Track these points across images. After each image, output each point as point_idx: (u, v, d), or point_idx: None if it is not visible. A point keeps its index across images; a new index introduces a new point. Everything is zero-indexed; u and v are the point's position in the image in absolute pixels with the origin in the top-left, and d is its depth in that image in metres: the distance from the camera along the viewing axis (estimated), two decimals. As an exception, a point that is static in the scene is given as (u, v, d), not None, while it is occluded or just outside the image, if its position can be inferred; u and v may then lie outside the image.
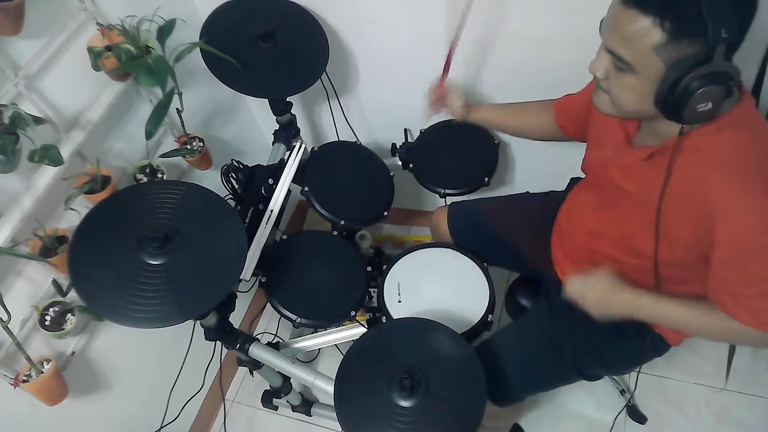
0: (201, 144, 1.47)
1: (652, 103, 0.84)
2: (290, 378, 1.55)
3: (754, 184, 0.83)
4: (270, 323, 2.07)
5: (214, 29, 1.36)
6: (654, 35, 0.77)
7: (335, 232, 1.60)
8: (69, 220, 1.25)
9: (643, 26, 0.77)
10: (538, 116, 1.31)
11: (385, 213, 1.54)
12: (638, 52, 0.80)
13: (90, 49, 1.22)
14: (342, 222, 1.48)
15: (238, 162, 1.44)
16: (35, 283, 1.20)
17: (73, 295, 1.19)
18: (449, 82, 1.34)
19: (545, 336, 1.22)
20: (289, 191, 1.47)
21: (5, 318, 1.04)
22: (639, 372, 1.19)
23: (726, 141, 0.85)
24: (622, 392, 1.63)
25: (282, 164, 1.50)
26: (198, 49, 1.29)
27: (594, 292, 1.05)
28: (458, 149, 1.58)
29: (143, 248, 1.00)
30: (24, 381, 1.13)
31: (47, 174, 1.16)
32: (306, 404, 1.74)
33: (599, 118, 1.09)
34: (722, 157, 0.85)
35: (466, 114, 1.35)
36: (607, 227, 1.09)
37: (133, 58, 1.20)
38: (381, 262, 1.82)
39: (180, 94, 1.30)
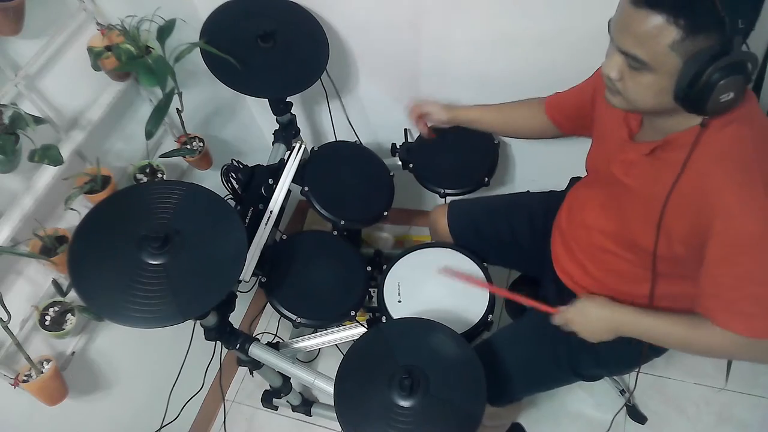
0: (201, 144, 1.47)
1: (671, 98, 0.83)
2: (290, 378, 1.55)
3: (754, 181, 0.83)
4: (270, 323, 2.07)
5: (214, 29, 1.36)
6: (669, 33, 0.76)
7: (335, 232, 1.60)
8: (69, 220, 1.25)
9: (656, 25, 0.77)
10: (528, 111, 1.31)
11: (385, 213, 1.54)
12: (654, 51, 0.79)
13: (90, 49, 1.22)
14: (342, 222, 1.48)
15: (238, 162, 1.44)
16: (35, 283, 1.20)
17: (73, 295, 1.19)
18: (413, 100, 1.37)
19: (542, 336, 1.22)
20: (289, 191, 1.47)
21: (5, 318, 1.04)
22: (639, 372, 1.19)
23: (729, 137, 0.85)
24: (622, 392, 1.63)
25: (282, 164, 1.50)
26: (198, 49, 1.29)
27: (577, 316, 1.08)
28: (458, 149, 1.58)
29: (143, 248, 1.00)
30: (24, 381, 1.13)
31: (47, 174, 1.16)
32: (306, 404, 1.74)
33: (603, 115, 1.09)
34: (724, 153, 0.85)
35: (450, 116, 1.35)
36: (609, 223, 1.09)
37: (133, 58, 1.20)
38: (381, 262, 1.82)
39: (180, 94, 1.30)
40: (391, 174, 1.61)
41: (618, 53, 0.84)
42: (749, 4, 0.75)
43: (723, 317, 0.90)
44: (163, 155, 1.41)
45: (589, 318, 1.06)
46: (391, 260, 1.43)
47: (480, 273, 1.35)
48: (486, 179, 1.52)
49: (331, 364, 1.89)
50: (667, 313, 0.99)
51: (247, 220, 1.36)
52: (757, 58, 0.79)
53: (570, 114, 1.23)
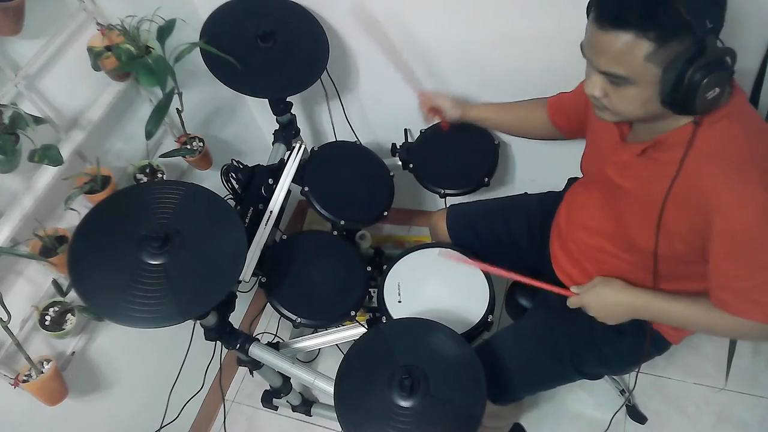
0: (201, 144, 1.47)
1: (658, 105, 0.84)
2: (290, 378, 1.55)
3: (748, 175, 0.83)
4: (270, 323, 2.07)
5: (213, 29, 1.36)
6: (642, 46, 0.78)
7: (335, 232, 1.60)
8: (69, 220, 1.25)
9: (627, 42, 0.78)
10: (532, 112, 1.32)
11: (385, 213, 1.54)
12: (631, 66, 0.80)
13: (90, 49, 1.22)
14: (342, 222, 1.48)
15: (238, 162, 1.44)
16: (35, 283, 1.20)
17: (73, 295, 1.19)
18: (427, 91, 1.38)
19: (544, 335, 1.22)
20: (289, 191, 1.47)
21: (5, 318, 1.04)
22: (639, 372, 1.19)
23: (719, 133, 0.86)
24: (622, 392, 1.63)
25: (282, 164, 1.50)
26: (198, 49, 1.29)
27: (594, 299, 1.08)
28: (458, 149, 1.58)
29: (143, 248, 1.00)
30: (24, 381, 1.13)
31: (47, 174, 1.16)
32: (306, 404, 1.74)
33: (595, 118, 1.09)
34: (715, 150, 0.86)
35: (461, 113, 1.36)
36: (607, 224, 1.10)
37: (133, 58, 1.20)
38: (381, 262, 1.81)
39: (180, 94, 1.30)
40: (391, 174, 1.61)
41: (597, 73, 0.86)
42: (711, 3, 0.76)
43: (738, 307, 0.91)
44: (163, 155, 1.41)
45: (607, 302, 1.07)
46: (391, 260, 1.43)
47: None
48: (486, 179, 1.52)
49: (331, 364, 1.89)
50: (685, 297, 1.00)
51: (247, 220, 1.36)
52: (734, 51, 0.80)
53: (569, 115, 1.23)
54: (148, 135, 1.26)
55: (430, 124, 1.48)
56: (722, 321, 0.94)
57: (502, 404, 1.25)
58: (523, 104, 1.33)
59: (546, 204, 1.36)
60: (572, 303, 1.12)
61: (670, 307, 1.01)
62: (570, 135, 1.28)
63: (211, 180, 1.49)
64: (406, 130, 1.64)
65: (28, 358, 1.12)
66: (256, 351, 1.34)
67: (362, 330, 1.38)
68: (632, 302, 1.05)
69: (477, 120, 1.38)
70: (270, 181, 1.44)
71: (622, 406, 1.61)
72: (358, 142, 1.71)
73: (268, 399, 1.76)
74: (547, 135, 1.32)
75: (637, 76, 0.81)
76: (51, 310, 1.19)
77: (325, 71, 1.47)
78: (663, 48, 0.77)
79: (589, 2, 0.85)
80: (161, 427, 1.59)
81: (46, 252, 1.15)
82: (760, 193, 0.83)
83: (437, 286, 1.36)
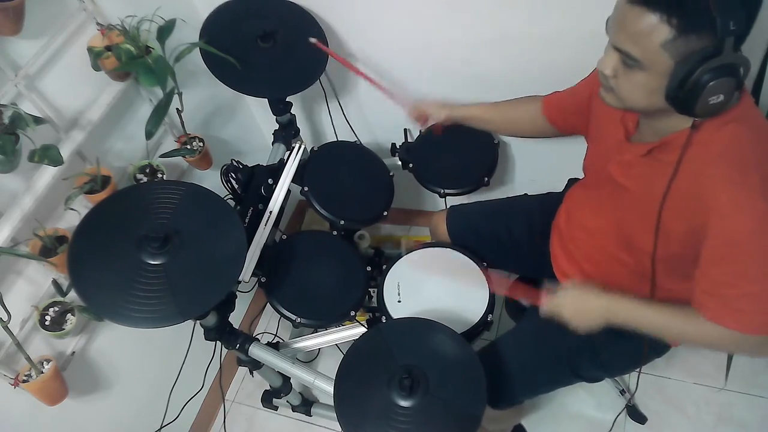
0: (201, 144, 1.47)
1: (662, 98, 0.84)
2: (290, 378, 1.55)
3: (749, 180, 0.83)
4: (270, 323, 2.07)
5: (214, 29, 1.36)
6: (662, 32, 0.77)
7: (335, 232, 1.60)
8: (69, 220, 1.25)
9: (650, 23, 0.77)
10: (525, 110, 1.31)
11: (385, 213, 1.54)
12: (646, 49, 0.79)
13: (90, 49, 1.22)
14: (342, 222, 1.48)
15: (237, 162, 1.44)
16: (35, 283, 1.20)
17: (73, 295, 1.19)
18: (410, 101, 1.38)
19: (541, 339, 1.22)
20: (288, 191, 1.47)
21: (5, 318, 1.04)
22: (639, 372, 1.19)
23: (725, 136, 0.86)
24: (623, 392, 1.63)
25: (282, 164, 1.50)
26: (198, 49, 1.29)
27: (567, 303, 1.05)
28: (458, 149, 1.58)
29: (143, 248, 1.00)
30: (24, 381, 1.13)
31: (47, 174, 1.16)
32: (306, 404, 1.74)
33: (600, 116, 1.09)
34: (719, 153, 0.85)
35: (447, 113, 1.35)
36: (607, 225, 1.09)
37: (133, 58, 1.20)
38: (381, 262, 1.81)
39: (180, 94, 1.30)
40: (391, 174, 1.61)
41: (613, 50, 0.85)
42: (742, 6, 0.76)
43: (717, 314, 0.89)
44: (163, 155, 1.41)
45: (581, 307, 1.04)
46: (391, 260, 1.43)
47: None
48: (486, 179, 1.52)
49: (331, 364, 1.89)
50: (661, 304, 0.98)
51: (246, 220, 1.36)
52: (749, 63, 0.79)
53: (568, 114, 1.23)
54: (148, 135, 1.27)
55: (425, 127, 1.47)
56: (699, 329, 0.92)
57: (502, 408, 1.25)
58: (514, 102, 1.33)
59: (546, 205, 1.35)
60: (544, 312, 1.07)
61: (645, 313, 0.98)
62: (561, 130, 1.27)
63: (211, 180, 1.49)
64: (405, 130, 1.65)
65: (28, 358, 1.12)
66: (256, 351, 1.34)
67: (362, 330, 1.38)
68: (607, 307, 1.01)
69: (465, 119, 1.36)
70: (270, 181, 1.44)
71: (624, 407, 1.60)
72: (358, 142, 1.71)
73: (268, 399, 1.76)
74: (540, 133, 1.31)
75: (649, 61, 0.80)
76: (51, 310, 1.19)
77: (324, 72, 1.47)
78: (681, 38, 0.77)
79: None
80: (161, 427, 1.59)
81: (46, 252, 1.15)
82: (758, 201, 0.82)
83: (437, 285, 1.36)
